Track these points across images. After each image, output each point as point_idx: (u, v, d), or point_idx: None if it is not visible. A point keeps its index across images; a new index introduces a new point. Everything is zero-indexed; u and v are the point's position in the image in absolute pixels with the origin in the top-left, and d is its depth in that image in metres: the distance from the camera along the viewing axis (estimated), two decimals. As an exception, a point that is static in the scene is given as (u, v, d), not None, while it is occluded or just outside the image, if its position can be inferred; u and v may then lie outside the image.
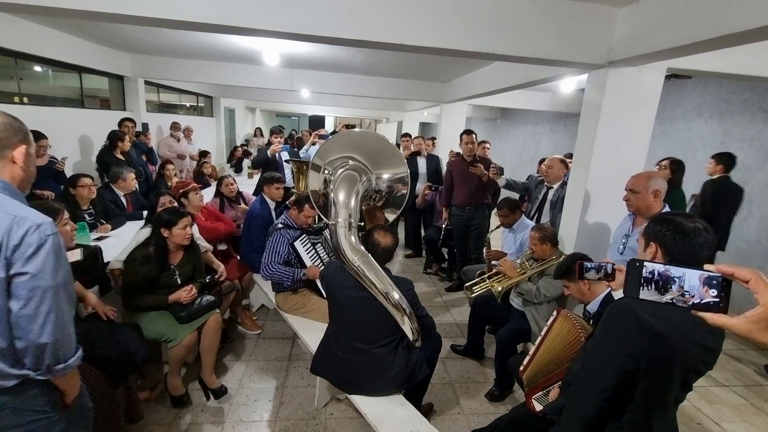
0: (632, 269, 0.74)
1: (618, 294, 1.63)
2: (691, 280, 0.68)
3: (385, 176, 2.61)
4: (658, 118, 3.03)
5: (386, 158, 2.61)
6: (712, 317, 0.67)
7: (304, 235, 2.91)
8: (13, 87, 4.34)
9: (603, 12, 2.53)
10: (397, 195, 2.67)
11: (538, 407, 1.81)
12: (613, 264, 1.61)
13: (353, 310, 2.04)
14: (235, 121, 12.28)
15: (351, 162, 2.50)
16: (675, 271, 0.70)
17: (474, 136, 4.06)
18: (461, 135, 4.08)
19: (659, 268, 0.72)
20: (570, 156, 5.75)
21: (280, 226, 2.90)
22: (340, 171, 2.44)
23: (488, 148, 5.10)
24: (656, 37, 2.25)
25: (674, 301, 0.70)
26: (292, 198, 3.75)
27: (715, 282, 0.67)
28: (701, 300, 0.67)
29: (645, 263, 0.72)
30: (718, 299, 0.66)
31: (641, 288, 0.72)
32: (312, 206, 2.79)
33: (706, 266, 0.69)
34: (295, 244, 2.81)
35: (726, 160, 3.55)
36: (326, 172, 2.55)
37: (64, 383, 1.17)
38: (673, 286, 0.70)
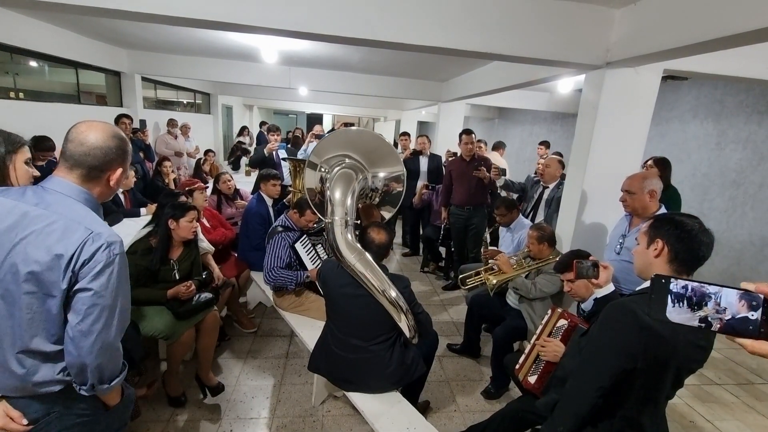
0: (657, 286, 0.65)
1: (602, 292, 1.65)
2: (728, 297, 0.62)
3: (382, 174, 2.61)
4: (654, 119, 3.06)
5: (382, 157, 2.61)
6: (753, 344, 0.60)
7: (305, 236, 2.90)
8: (8, 82, 4.31)
9: (601, 13, 2.55)
10: (393, 193, 2.68)
11: (533, 380, 1.83)
12: (597, 261, 1.64)
13: (350, 308, 2.05)
14: (232, 119, 12.24)
15: (347, 160, 2.51)
16: (710, 287, 0.63)
17: (473, 136, 4.07)
18: (460, 135, 4.10)
19: (692, 283, 0.64)
20: (558, 154, 5.81)
21: (279, 229, 2.88)
22: (336, 169, 2.44)
23: (482, 147, 5.12)
24: (653, 39, 2.27)
25: (709, 319, 0.62)
26: (289, 196, 3.77)
27: (755, 303, 0.60)
28: (736, 315, 0.61)
29: (672, 279, 0.64)
30: (758, 322, 0.60)
31: (671, 305, 0.64)
32: (314, 211, 2.79)
33: (744, 284, 0.63)
34: (295, 246, 2.81)
35: None
36: (322, 170, 2.56)
37: (105, 396, 1.19)
38: (708, 303, 0.63)
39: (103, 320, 1.05)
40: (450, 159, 5.32)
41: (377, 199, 2.69)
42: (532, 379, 1.86)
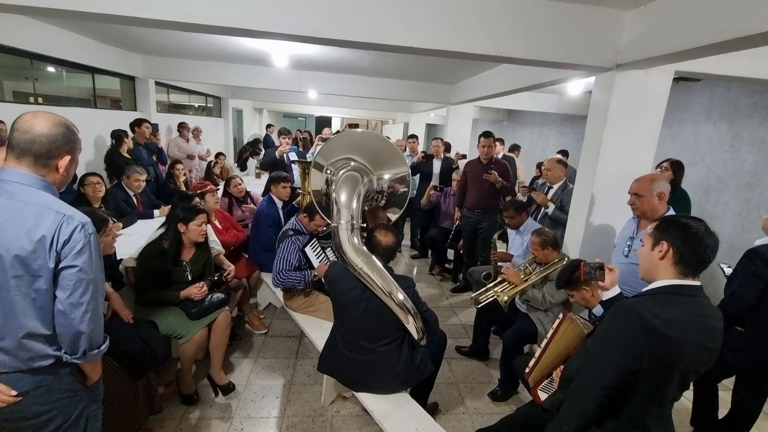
0: None
1: (608, 294, 1.64)
2: None
3: (386, 176, 2.62)
4: (666, 120, 3.03)
5: (387, 158, 2.63)
6: None
7: (314, 239, 2.92)
8: (28, 87, 4.44)
9: (611, 15, 2.54)
10: (399, 194, 2.69)
11: (543, 396, 1.84)
12: (603, 263, 1.64)
13: (356, 310, 2.07)
14: (242, 122, 12.38)
15: (352, 163, 2.53)
16: None
17: (492, 139, 4.00)
18: (479, 137, 4.07)
19: None
20: (561, 152, 5.77)
21: (290, 232, 2.90)
22: (341, 172, 2.46)
23: (495, 147, 5.10)
24: (664, 41, 2.26)
25: None
26: (299, 198, 3.81)
27: None
28: None
29: None
30: None
31: None
32: (323, 216, 2.81)
33: None
34: (305, 249, 2.83)
35: None
36: (328, 172, 2.58)
37: (90, 368, 1.28)
38: None
39: (90, 292, 1.14)
40: (459, 159, 5.33)
41: (383, 201, 2.71)
42: (542, 396, 1.86)
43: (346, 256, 2.07)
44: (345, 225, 2.16)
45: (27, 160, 1.13)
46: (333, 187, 2.36)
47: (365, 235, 2.25)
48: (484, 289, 2.88)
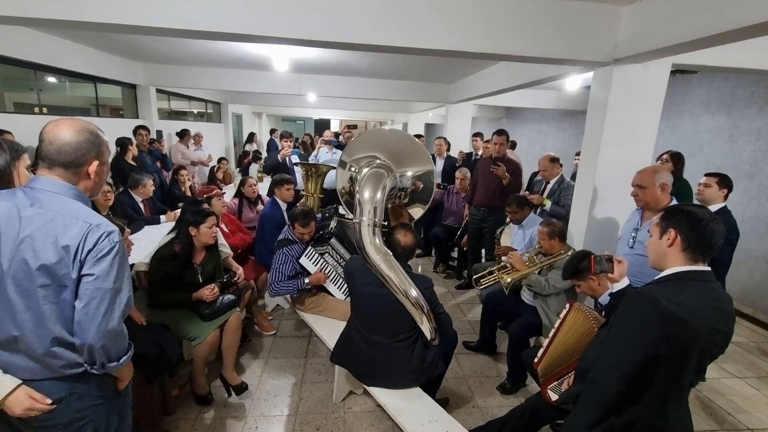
0: None
1: (617, 286, 1.66)
2: None
3: (409, 173, 2.65)
4: (665, 113, 3.07)
5: (411, 155, 2.65)
6: None
7: (310, 247, 2.91)
8: (33, 98, 4.49)
9: (607, 11, 2.59)
10: (421, 190, 2.72)
11: (554, 397, 1.86)
12: (612, 255, 1.67)
13: (372, 306, 2.11)
14: (242, 126, 12.43)
15: (377, 161, 2.57)
16: None
17: (505, 136, 3.99)
18: (493, 134, 4.09)
19: None
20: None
21: (284, 243, 2.89)
22: (365, 170, 2.48)
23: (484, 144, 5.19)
24: (660, 35, 2.30)
25: None
26: (302, 200, 3.85)
27: None
28: None
29: None
30: None
31: None
32: (302, 224, 2.82)
33: None
34: (300, 261, 2.84)
35: (728, 182, 2.64)
36: (352, 169, 2.62)
37: (118, 372, 1.27)
38: None
39: (106, 304, 1.11)
40: (463, 158, 5.35)
41: (406, 199, 2.73)
42: (553, 397, 1.88)
43: (366, 254, 2.10)
44: (367, 221, 2.18)
45: (58, 170, 1.14)
46: (357, 186, 2.39)
47: (385, 231, 2.28)
48: (487, 271, 2.91)
